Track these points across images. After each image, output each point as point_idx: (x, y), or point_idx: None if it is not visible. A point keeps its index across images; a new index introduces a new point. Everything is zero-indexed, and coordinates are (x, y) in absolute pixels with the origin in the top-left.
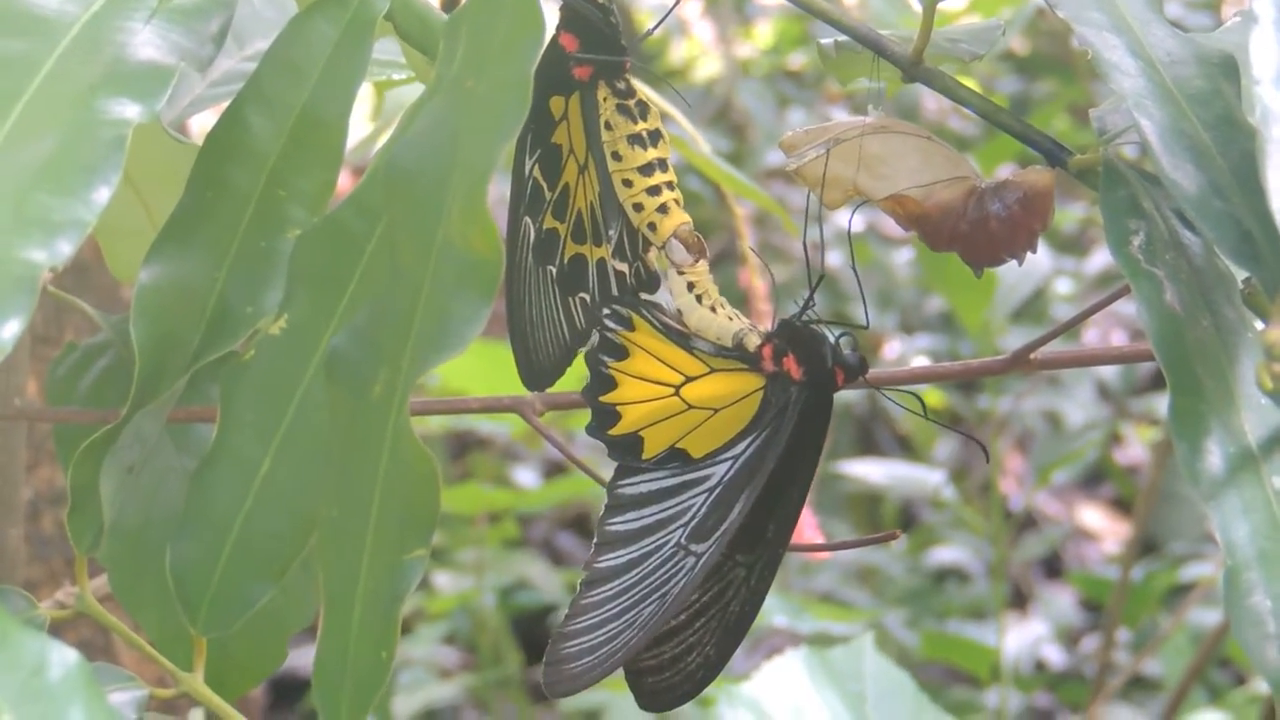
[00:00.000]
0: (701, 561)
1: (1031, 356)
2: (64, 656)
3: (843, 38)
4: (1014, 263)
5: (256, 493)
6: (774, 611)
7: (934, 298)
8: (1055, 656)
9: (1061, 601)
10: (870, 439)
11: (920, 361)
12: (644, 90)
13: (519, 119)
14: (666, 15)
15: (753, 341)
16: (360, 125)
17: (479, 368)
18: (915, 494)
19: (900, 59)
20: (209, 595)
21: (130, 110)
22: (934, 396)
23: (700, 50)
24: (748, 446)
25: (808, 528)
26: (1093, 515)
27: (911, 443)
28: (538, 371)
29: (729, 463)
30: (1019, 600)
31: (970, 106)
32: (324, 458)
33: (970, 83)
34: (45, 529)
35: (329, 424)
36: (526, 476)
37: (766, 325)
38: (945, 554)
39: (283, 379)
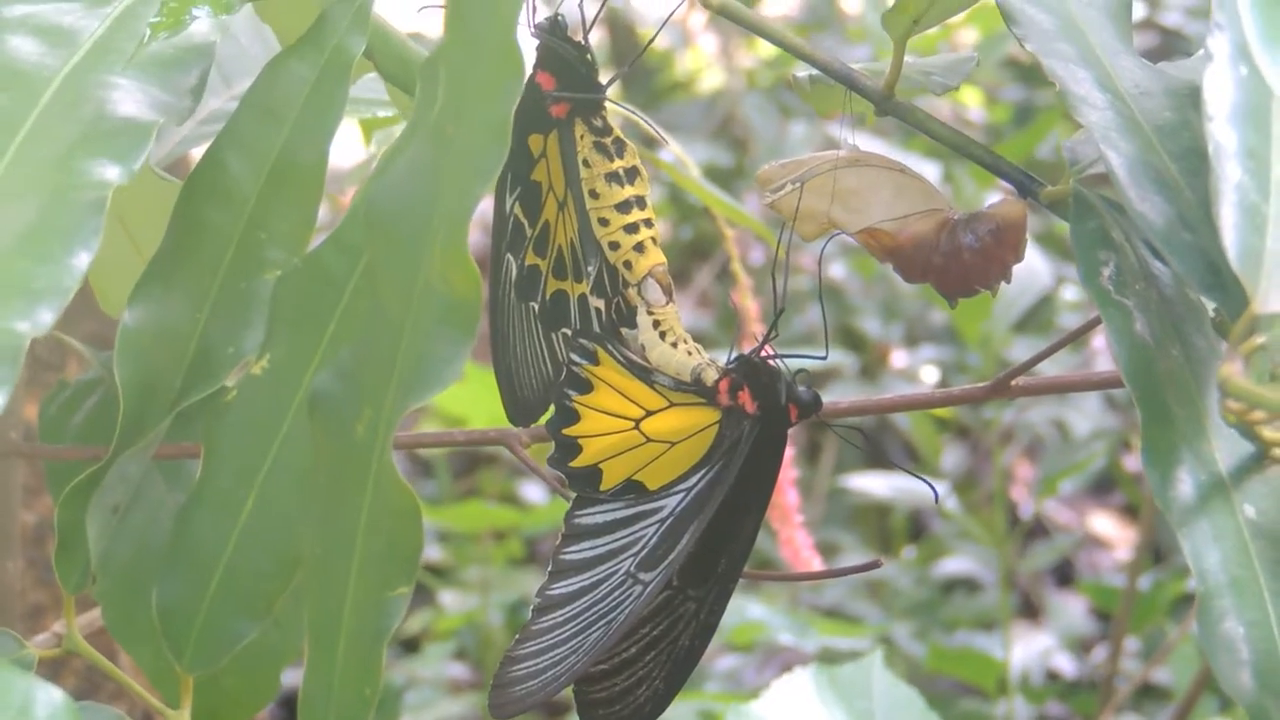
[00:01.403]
0: (648, 589)
1: (1012, 383)
2: (50, 696)
3: (816, 71)
4: (1011, 276)
5: (240, 531)
6: (780, 629)
7: (939, 309)
8: (1066, 666)
9: (1072, 610)
10: (878, 450)
11: (929, 371)
12: (634, 114)
13: (498, 161)
14: (654, 37)
15: (710, 376)
16: (354, 150)
17: (477, 394)
18: (922, 505)
19: (872, 93)
20: (195, 633)
21: (110, 172)
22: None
23: (704, 63)
24: (700, 479)
25: (803, 549)
26: (1104, 523)
27: (919, 452)
28: (523, 406)
29: (681, 494)
30: (1030, 610)
31: (941, 139)
32: (307, 496)
33: (974, 92)
34: (49, 554)
35: (312, 463)
36: (534, 493)
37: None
38: (954, 564)
39: (265, 418)
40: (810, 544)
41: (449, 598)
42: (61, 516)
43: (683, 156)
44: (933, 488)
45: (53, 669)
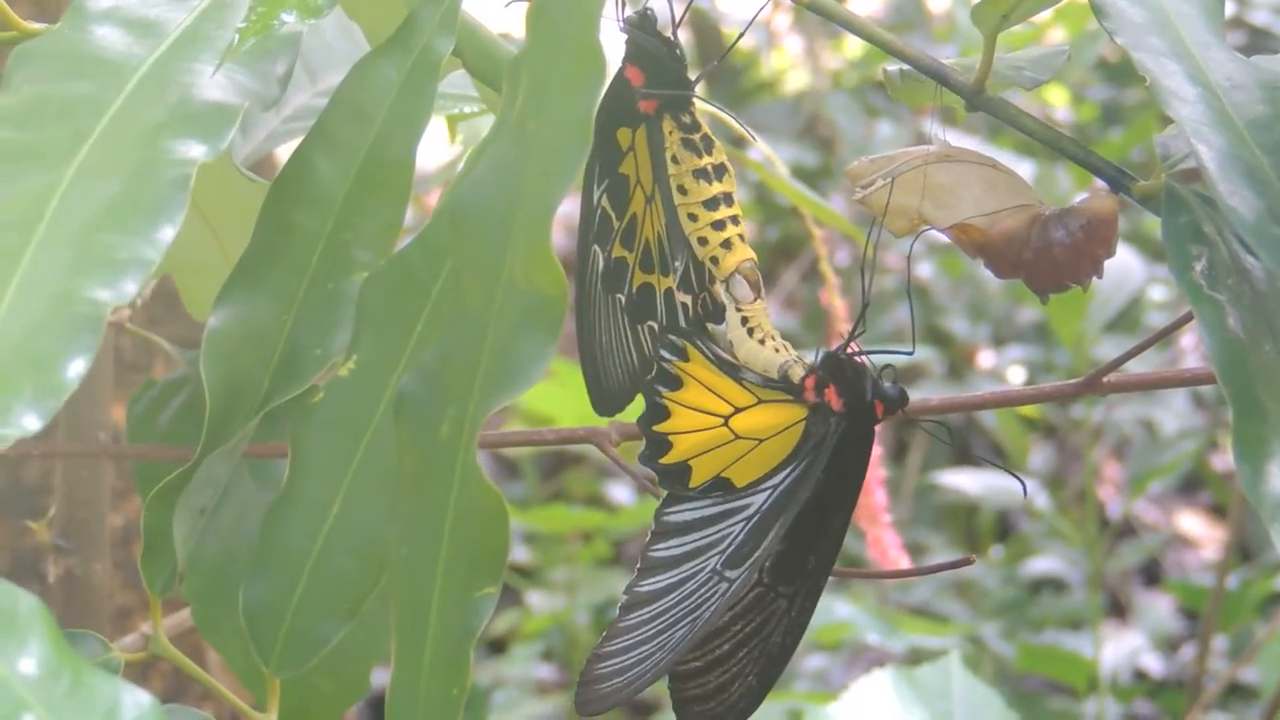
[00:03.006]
0: (734, 587)
1: (1104, 380)
2: (137, 699)
3: (907, 66)
4: (1106, 273)
5: (327, 533)
6: (866, 628)
7: (1027, 309)
8: (1155, 665)
9: (1160, 610)
10: (966, 447)
11: (1015, 372)
12: (722, 112)
13: (580, 159)
14: (742, 34)
15: (797, 373)
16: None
17: (565, 392)
18: (1010, 504)
19: (963, 88)
20: (282, 635)
21: (195, 150)
22: (1029, 406)
23: (790, 63)
24: (786, 476)
25: (891, 548)
26: (1192, 522)
27: (1006, 452)
28: (609, 397)
29: (768, 492)
30: (1117, 609)
31: (1033, 134)
32: (393, 497)
33: (1061, 91)
34: (136, 556)
35: (398, 464)
36: (621, 494)
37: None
38: (1042, 564)
39: (352, 420)
40: (898, 543)
41: (536, 598)
42: (148, 518)
43: (771, 155)
44: (1022, 482)
45: (141, 671)
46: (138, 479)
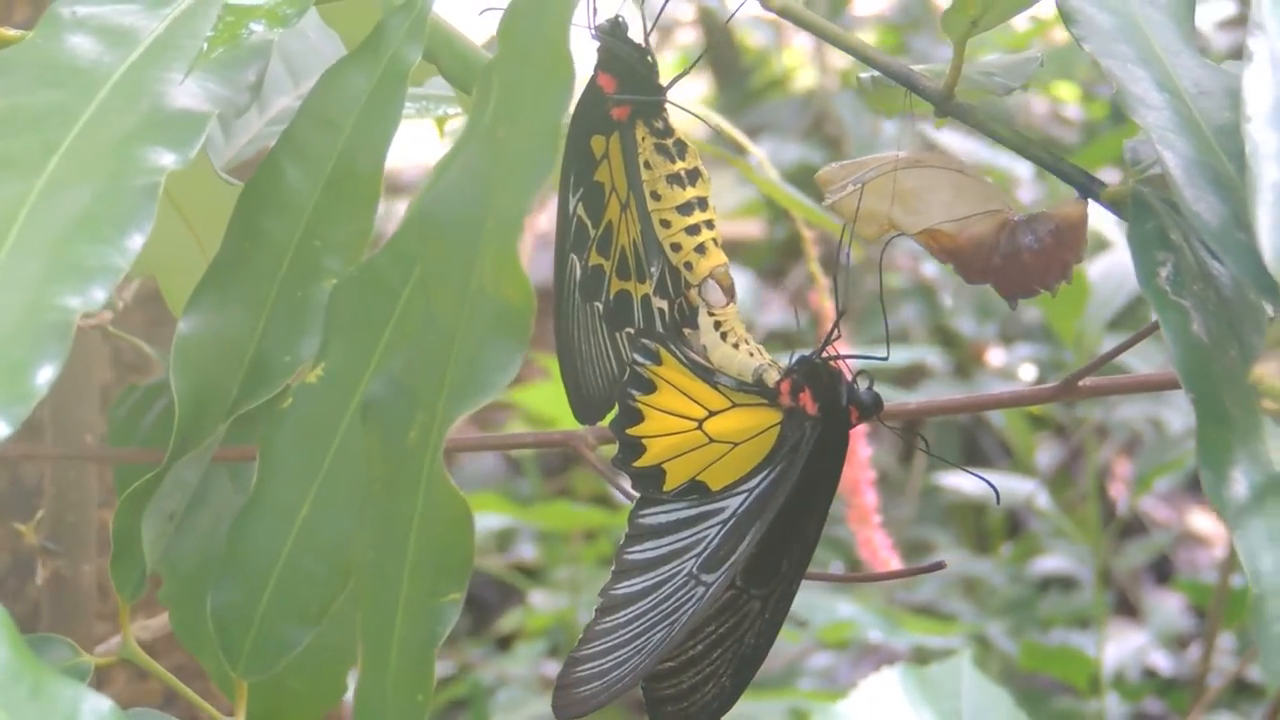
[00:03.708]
0: (710, 590)
1: (1080, 384)
2: (95, 705)
3: (878, 72)
4: (1106, 273)
5: (295, 538)
6: (869, 626)
7: (1032, 308)
8: (1164, 663)
9: (1169, 608)
10: (975, 447)
11: (1027, 369)
12: (711, 117)
13: (548, 168)
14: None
15: (771, 377)
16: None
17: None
18: (1016, 503)
19: (933, 94)
20: (249, 639)
21: (165, 158)
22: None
23: (799, 61)
24: (762, 480)
25: (882, 549)
26: (1203, 520)
27: (1013, 450)
28: (589, 405)
29: (744, 495)
30: (1127, 607)
31: (1001, 140)
32: (361, 503)
33: (1071, 89)
34: None
35: (366, 469)
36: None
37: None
38: (1050, 562)
39: (320, 426)
40: (889, 544)
41: (539, 598)
42: (118, 523)
43: (762, 158)
44: (993, 486)
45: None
46: (117, 483)
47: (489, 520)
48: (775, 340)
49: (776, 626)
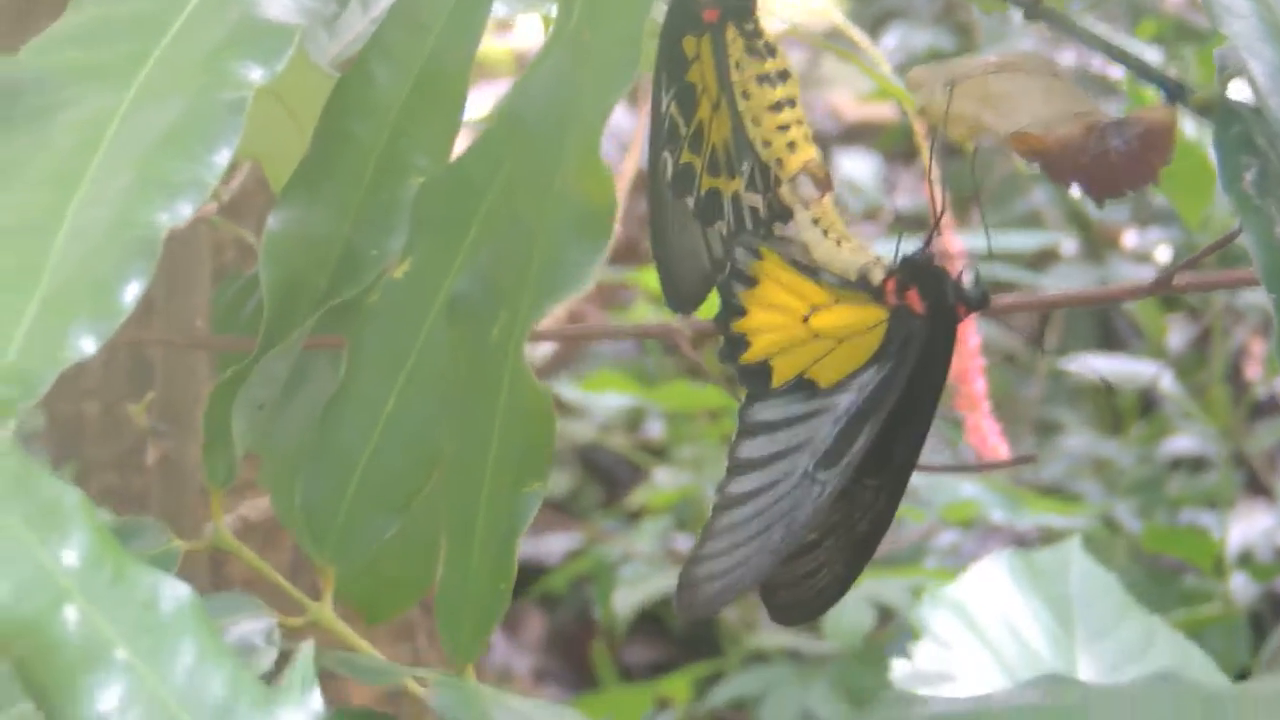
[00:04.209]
0: (828, 489)
1: (1174, 280)
2: (175, 590)
3: None
4: (1159, 179)
5: (381, 430)
6: (991, 506)
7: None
8: None
9: None
10: (1110, 328)
11: (1163, 251)
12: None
13: (630, 72)
14: None
15: (877, 275)
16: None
17: None
18: (1145, 386)
19: None
20: (337, 527)
21: (254, 73)
22: None
23: None
24: (872, 378)
25: (990, 436)
26: None
27: (1145, 333)
28: (683, 296)
29: (855, 393)
30: (1260, 488)
31: (1090, 43)
32: (445, 397)
33: None
34: None
35: (450, 365)
36: None
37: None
38: (1180, 443)
39: (406, 321)
40: (997, 430)
41: (663, 475)
42: (209, 412)
43: (877, 55)
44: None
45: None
46: (219, 369)
47: (614, 400)
48: (904, 222)
49: (890, 515)
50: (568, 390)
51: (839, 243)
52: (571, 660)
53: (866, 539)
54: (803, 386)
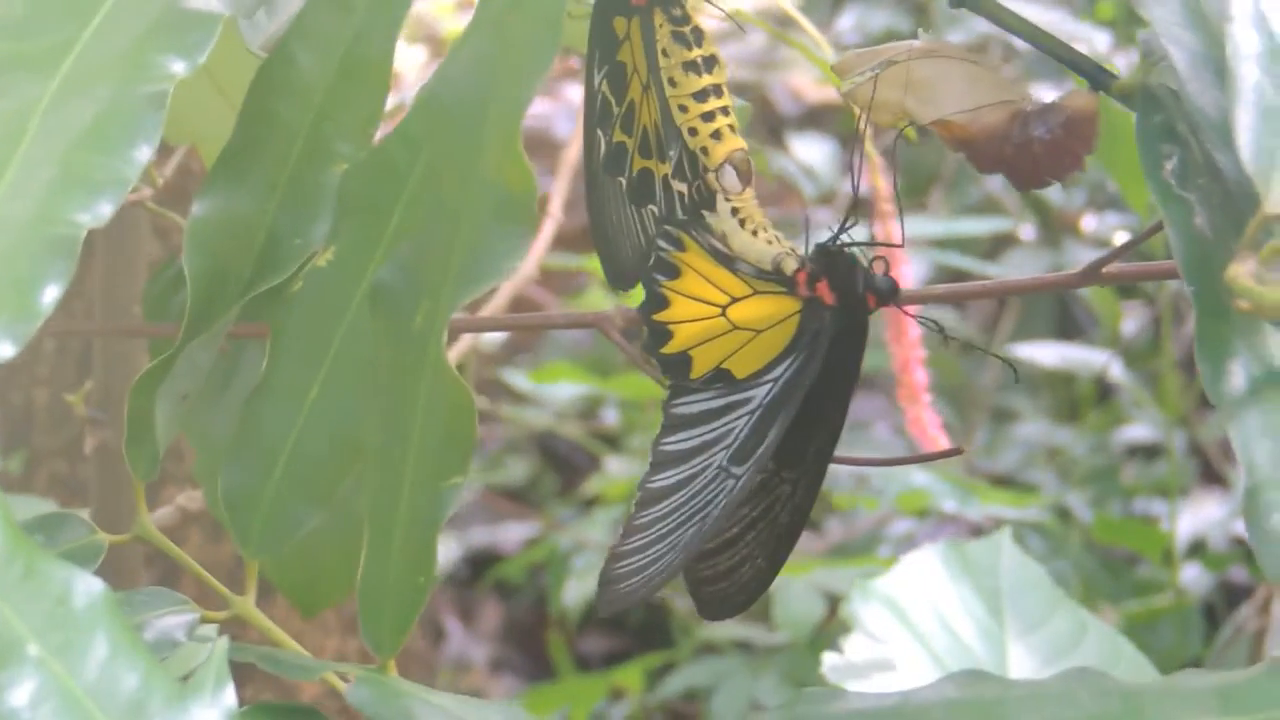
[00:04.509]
0: (740, 484)
1: (1103, 270)
2: (89, 586)
3: None
4: (1084, 167)
5: (304, 420)
6: (942, 496)
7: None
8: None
9: None
10: (1067, 315)
11: (1121, 236)
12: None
13: (550, 57)
14: None
15: (789, 266)
16: None
17: None
18: (1095, 374)
19: None
20: (259, 519)
21: (176, 66)
22: None
23: None
24: (786, 369)
25: (930, 426)
26: None
27: (1100, 320)
28: (622, 273)
29: (769, 385)
30: (1214, 477)
31: (1012, 30)
32: (369, 386)
33: None
34: None
35: (373, 353)
36: None
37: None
38: (1133, 432)
39: (329, 310)
40: (938, 422)
41: (615, 464)
42: (132, 404)
43: (818, 38)
44: (1012, 367)
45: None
46: (151, 356)
47: (569, 390)
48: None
49: (809, 506)
50: (521, 380)
51: (755, 232)
52: (528, 650)
53: (788, 531)
54: (720, 378)
